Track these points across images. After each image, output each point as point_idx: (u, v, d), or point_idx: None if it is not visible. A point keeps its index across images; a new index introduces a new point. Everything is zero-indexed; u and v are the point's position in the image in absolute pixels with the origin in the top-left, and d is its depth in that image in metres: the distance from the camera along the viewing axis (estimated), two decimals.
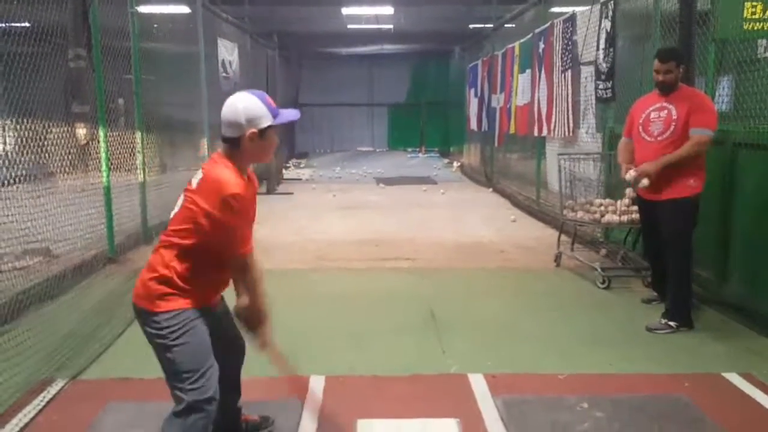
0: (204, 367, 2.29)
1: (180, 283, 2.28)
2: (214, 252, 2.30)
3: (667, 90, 4.18)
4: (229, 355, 2.60)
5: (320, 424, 2.98)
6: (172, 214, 2.34)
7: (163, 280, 2.29)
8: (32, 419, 3.00)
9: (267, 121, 2.29)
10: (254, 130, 2.27)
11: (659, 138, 4.16)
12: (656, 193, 4.21)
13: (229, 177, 2.23)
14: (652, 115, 4.22)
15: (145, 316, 2.32)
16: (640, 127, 4.28)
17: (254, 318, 2.48)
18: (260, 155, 2.34)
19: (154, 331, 2.30)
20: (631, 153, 4.44)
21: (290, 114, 2.41)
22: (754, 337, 4.09)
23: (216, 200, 2.19)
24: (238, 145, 2.29)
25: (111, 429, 2.95)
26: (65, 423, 2.99)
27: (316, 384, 3.38)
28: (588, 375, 3.54)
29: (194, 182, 2.30)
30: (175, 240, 2.29)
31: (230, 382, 2.61)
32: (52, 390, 3.29)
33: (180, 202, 2.33)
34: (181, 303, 2.29)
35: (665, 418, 3.01)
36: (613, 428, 2.93)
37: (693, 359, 3.77)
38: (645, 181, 4.16)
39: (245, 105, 2.27)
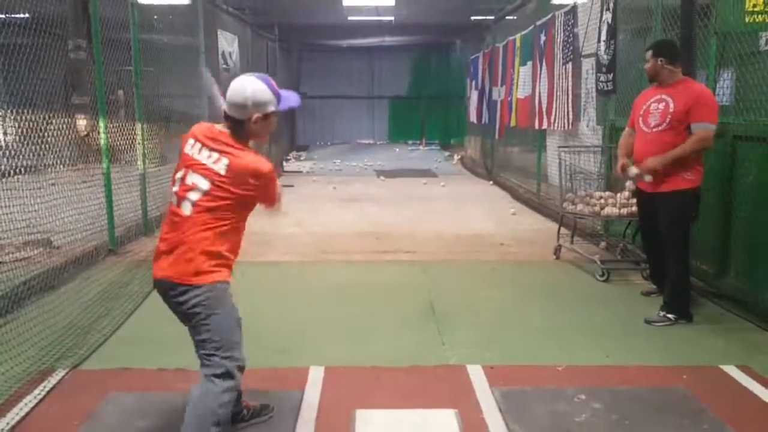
0: (238, 336, 2.48)
1: (219, 254, 2.40)
2: (243, 220, 2.47)
3: (650, 80, 4.29)
4: None
5: (319, 414, 2.99)
6: (190, 195, 2.37)
7: (207, 254, 2.37)
8: (33, 409, 3.02)
9: (272, 107, 2.42)
10: (259, 114, 2.38)
11: (654, 129, 4.19)
12: (654, 185, 4.23)
13: (256, 156, 2.42)
14: (652, 106, 4.25)
15: (185, 289, 2.37)
16: (640, 119, 4.33)
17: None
18: (260, 135, 2.48)
19: (195, 301, 2.37)
20: (631, 144, 4.49)
21: (292, 100, 2.53)
22: (752, 329, 4.10)
23: (249, 180, 2.36)
24: (242, 125, 2.39)
25: (112, 419, 2.96)
26: (66, 413, 3.00)
27: (316, 375, 3.40)
28: (586, 366, 3.55)
29: (217, 167, 2.34)
30: (212, 223, 2.37)
31: None
32: (53, 380, 3.30)
33: (195, 181, 2.36)
34: (221, 274, 2.41)
35: (663, 410, 3.02)
36: (610, 419, 2.94)
37: (691, 351, 3.78)
38: (648, 177, 4.19)
39: (254, 90, 2.37)
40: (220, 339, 2.41)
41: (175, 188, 2.44)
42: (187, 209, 2.37)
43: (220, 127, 2.42)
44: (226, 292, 2.45)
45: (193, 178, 2.38)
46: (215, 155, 2.37)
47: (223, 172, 2.35)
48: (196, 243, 2.36)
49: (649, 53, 4.24)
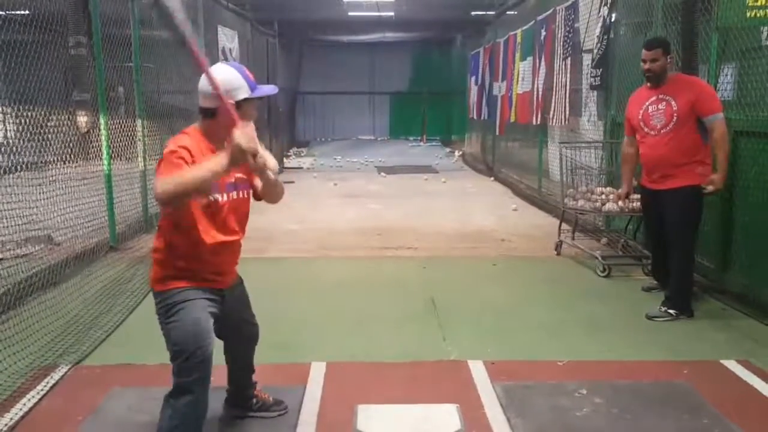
0: (192, 348, 2.28)
1: (172, 263, 2.37)
2: (184, 225, 2.33)
3: (655, 80, 4.16)
4: (240, 339, 2.69)
5: (321, 409, 3.00)
6: None
7: (159, 262, 2.40)
8: (36, 404, 3.03)
9: (244, 93, 2.28)
10: (231, 101, 2.23)
11: (663, 131, 4.13)
12: (662, 181, 4.19)
13: (173, 140, 2.29)
14: (650, 108, 4.19)
15: (153, 296, 2.43)
16: (641, 123, 4.25)
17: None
18: (234, 127, 2.22)
19: (156, 309, 2.40)
20: (634, 155, 4.45)
21: (267, 89, 2.44)
22: (753, 324, 4.11)
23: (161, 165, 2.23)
24: (213, 115, 2.30)
25: (115, 414, 2.97)
26: (69, 408, 3.02)
27: (317, 370, 3.40)
28: (587, 362, 3.56)
29: None
30: (161, 223, 2.42)
31: (241, 363, 2.74)
32: (56, 376, 3.32)
33: None
34: (174, 283, 2.36)
35: (663, 404, 3.03)
36: (611, 413, 2.95)
37: (692, 346, 3.79)
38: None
39: (223, 76, 2.25)
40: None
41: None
42: None
43: (196, 123, 2.35)
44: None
45: None
46: None
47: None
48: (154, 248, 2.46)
49: (658, 51, 4.08)
